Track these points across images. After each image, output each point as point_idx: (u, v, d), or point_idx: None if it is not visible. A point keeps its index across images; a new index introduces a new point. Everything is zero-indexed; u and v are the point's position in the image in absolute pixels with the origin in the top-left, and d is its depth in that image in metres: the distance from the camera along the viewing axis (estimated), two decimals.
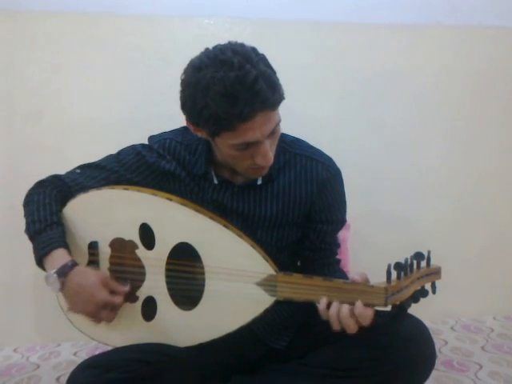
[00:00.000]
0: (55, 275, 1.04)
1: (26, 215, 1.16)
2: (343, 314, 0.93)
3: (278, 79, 1.01)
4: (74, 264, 1.07)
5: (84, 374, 0.99)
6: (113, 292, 1.08)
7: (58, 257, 1.07)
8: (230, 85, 0.92)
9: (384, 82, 2.02)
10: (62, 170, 1.28)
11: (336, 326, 0.94)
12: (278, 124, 1.04)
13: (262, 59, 0.99)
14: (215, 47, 1.00)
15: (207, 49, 1.01)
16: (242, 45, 1.00)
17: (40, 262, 1.08)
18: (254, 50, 1.00)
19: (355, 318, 0.93)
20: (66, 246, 1.11)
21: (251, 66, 0.93)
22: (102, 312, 1.06)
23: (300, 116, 1.90)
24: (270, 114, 0.98)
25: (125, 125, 1.87)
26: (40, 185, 1.22)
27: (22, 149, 1.85)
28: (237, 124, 0.96)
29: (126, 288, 1.11)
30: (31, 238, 1.12)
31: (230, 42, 1.00)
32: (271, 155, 1.05)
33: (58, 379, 1.53)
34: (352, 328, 0.93)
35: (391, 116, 2.04)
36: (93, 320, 1.08)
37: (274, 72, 1.00)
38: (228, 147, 1.04)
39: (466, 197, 2.10)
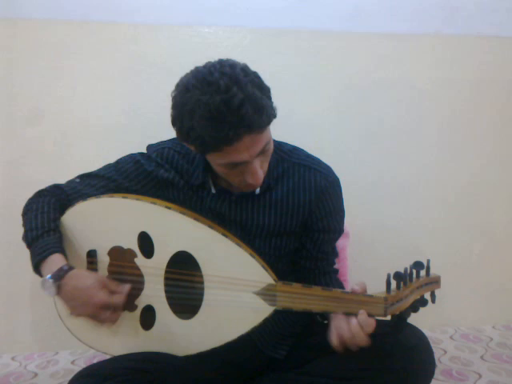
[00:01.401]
0: (51, 280, 1.03)
1: (25, 223, 1.16)
2: (355, 328, 0.96)
3: (268, 98, 0.99)
4: (70, 268, 1.06)
5: (82, 383, 0.99)
6: (113, 293, 1.08)
7: (54, 261, 1.06)
8: (215, 109, 0.91)
9: (382, 91, 2.03)
10: (61, 175, 1.28)
11: (352, 342, 0.97)
12: (268, 143, 1.02)
13: (252, 80, 0.96)
14: (205, 66, 0.98)
15: (197, 67, 1.00)
16: (232, 64, 0.97)
17: (37, 268, 1.08)
18: (243, 69, 0.97)
19: (362, 328, 0.95)
20: (63, 252, 1.10)
21: (238, 88, 0.92)
22: (103, 313, 1.05)
23: (298, 124, 1.91)
24: (257, 136, 0.97)
25: (125, 131, 1.88)
26: (39, 194, 1.22)
27: (21, 154, 1.85)
28: (222, 147, 0.95)
29: (127, 287, 1.10)
30: (28, 245, 1.12)
31: (220, 61, 0.99)
32: (261, 173, 1.04)
33: None
34: (366, 341, 0.96)
35: (389, 124, 2.04)
36: (95, 322, 1.08)
37: (264, 91, 0.98)
38: (217, 165, 1.05)
39: (465, 206, 2.10)
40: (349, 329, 0.97)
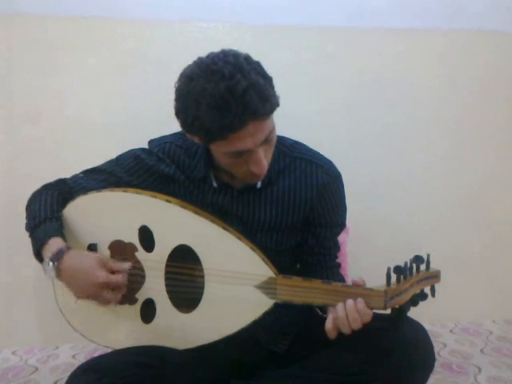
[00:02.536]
0: (50, 262, 1.04)
1: (28, 214, 1.17)
2: (349, 307, 0.96)
3: (271, 87, 1.00)
4: (68, 248, 1.06)
5: (82, 378, 0.99)
6: (113, 271, 1.07)
7: (53, 244, 1.07)
8: (219, 96, 0.91)
9: (384, 87, 2.02)
10: (60, 172, 1.28)
11: (343, 321, 0.97)
12: (271, 131, 1.03)
13: (255, 68, 0.96)
14: (208, 56, 0.99)
15: (200, 58, 1.00)
16: (235, 54, 0.98)
17: (38, 254, 1.09)
18: (246, 58, 0.98)
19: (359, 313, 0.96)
20: (63, 237, 1.11)
21: (242, 76, 0.92)
22: (105, 293, 1.05)
23: (300, 120, 1.90)
24: (261, 123, 0.97)
25: (124, 128, 1.87)
26: (44, 187, 1.23)
27: (20, 151, 1.85)
28: (228, 134, 0.95)
29: (127, 265, 1.09)
30: (30, 233, 1.13)
31: (222, 51, 0.99)
32: (265, 163, 1.04)
33: (56, 382, 1.53)
34: (357, 323, 0.96)
35: (391, 120, 2.04)
36: (98, 302, 1.08)
37: (267, 80, 0.99)
38: (222, 155, 1.04)
39: (465, 200, 2.10)
40: (343, 307, 0.97)
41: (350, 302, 0.97)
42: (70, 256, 1.05)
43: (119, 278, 1.06)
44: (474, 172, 2.10)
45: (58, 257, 1.04)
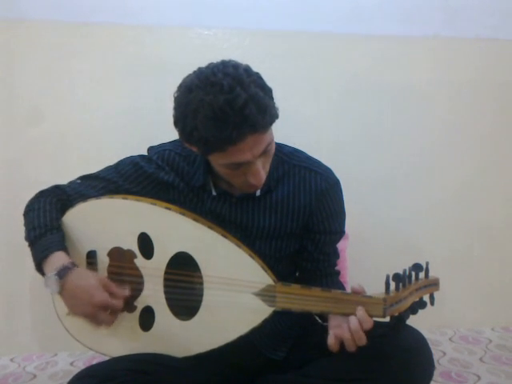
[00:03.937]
0: (55, 277, 1.03)
1: (26, 223, 1.16)
2: (354, 327, 0.96)
3: (271, 99, 1.00)
4: (73, 266, 1.06)
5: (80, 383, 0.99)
6: (112, 295, 1.06)
7: (57, 259, 1.06)
8: (218, 109, 0.91)
9: (381, 93, 2.03)
10: (61, 177, 1.28)
11: (349, 342, 0.97)
12: (270, 143, 1.03)
13: (255, 80, 0.96)
14: (207, 67, 0.99)
15: (200, 68, 1.00)
16: (235, 65, 0.98)
17: (39, 266, 1.08)
18: (246, 70, 0.98)
19: (361, 324, 0.96)
20: (66, 250, 1.10)
21: (241, 88, 0.92)
22: (102, 314, 1.04)
23: (297, 125, 1.90)
24: (260, 136, 0.97)
25: (124, 133, 1.88)
26: (41, 194, 1.22)
27: (22, 155, 1.85)
28: (226, 147, 0.95)
29: (126, 291, 1.09)
30: (31, 244, 1.12)
31: (222, 62, 0.99)
32: (263, 174, 1.05)
33: None
34: (362, 341, 0.96)
35: (388, 126, 2.05)
36: (92, 323, 1.06)
37: (267, 92, 0.99)
38: (219, 166, 1.05)
39: (464, 207, 2.10)
40: (348, 327, 0.97)
41: (354, 322, 0.96)
42: (74, 274, 1.04)
43: (117, 303, 1.06)
44: (473, 177, 2.10)
45: (62, 274, 1.03)
